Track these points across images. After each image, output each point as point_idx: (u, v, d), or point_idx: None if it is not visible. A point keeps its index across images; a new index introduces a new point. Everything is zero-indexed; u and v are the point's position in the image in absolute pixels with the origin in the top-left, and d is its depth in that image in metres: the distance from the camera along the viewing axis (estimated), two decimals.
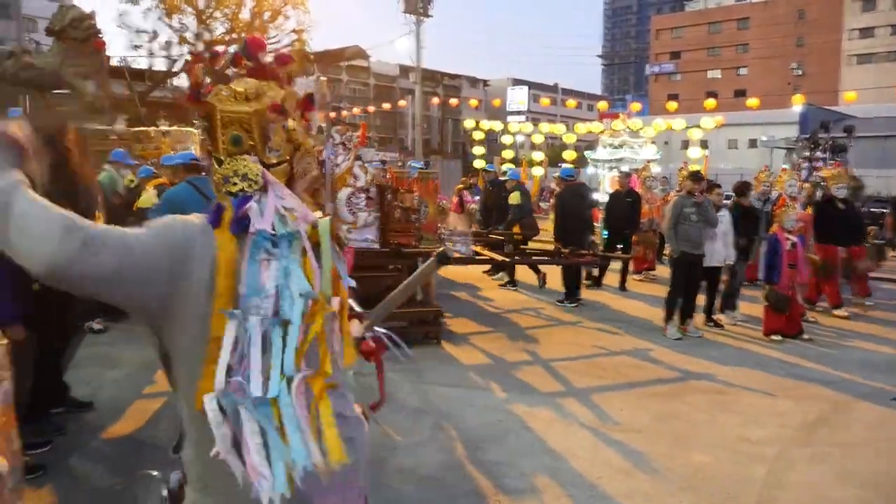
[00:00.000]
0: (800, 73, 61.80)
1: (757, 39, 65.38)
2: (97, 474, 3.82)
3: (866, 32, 58.41)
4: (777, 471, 4.06)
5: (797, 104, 21.55)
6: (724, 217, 7.87)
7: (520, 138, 24.93)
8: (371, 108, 35.43)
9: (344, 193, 6.55)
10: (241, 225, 1.41)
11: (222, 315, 1.34)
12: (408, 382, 5.45)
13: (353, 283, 1.60)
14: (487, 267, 10.36)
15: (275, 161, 1.51)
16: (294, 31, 23.58)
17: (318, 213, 1.52)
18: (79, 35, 10.25)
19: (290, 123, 1.53)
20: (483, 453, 4.16)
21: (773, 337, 7.27)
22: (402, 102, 39.77)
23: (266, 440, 1.31)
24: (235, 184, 1.46)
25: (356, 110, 33.39)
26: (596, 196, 13.40)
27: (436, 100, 35.80)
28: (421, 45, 29.20)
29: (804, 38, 62.17)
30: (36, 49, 12.33)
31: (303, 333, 1.35)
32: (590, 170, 15.62)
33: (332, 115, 7.74)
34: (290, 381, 1.32)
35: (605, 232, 10.62)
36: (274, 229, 1.40)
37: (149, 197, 6.36)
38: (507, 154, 22.56)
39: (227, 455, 1.30)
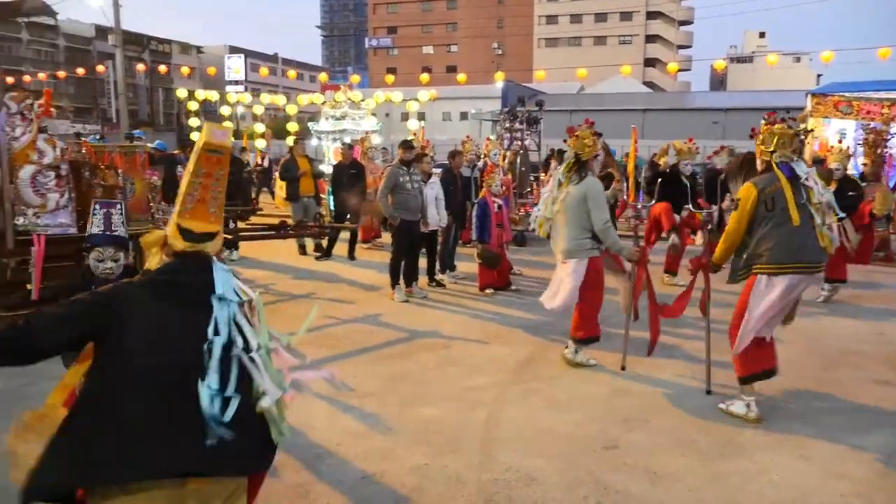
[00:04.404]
0: (500, 52, 68.27)
1: (463, 20, 70.62)
2: None
3: (552, 20, 66.48)
4: (495, 412, 4.49)
5: (499, 80, 23.73)
6: (435, 184, 8.40)
7: (240, 109, 23.78)
8: (61, 74, 30.87)
9: (27, 172, 5.60)
10: None
11: None
12: None
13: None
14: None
15: None
16: None
17: None
18: None
19: None
20: None
21: (487, 291, 8.01)
22: (100, 68, 35.29)
23: None
24: None
25: (42, 75, 28.81)
26: (322, 167, 13.39)
27: (141, 66, 32.31)
28: (118, 2, 25.96)
29: (503, 20, 68.75)
30: None
31: None
32: (314, 141, 15.52)
33: (10, 80, 6.54)
34: None
35: (333, 203, 10.66)
36: None
37: None
38: (227, 126, 21.39)
39: None
